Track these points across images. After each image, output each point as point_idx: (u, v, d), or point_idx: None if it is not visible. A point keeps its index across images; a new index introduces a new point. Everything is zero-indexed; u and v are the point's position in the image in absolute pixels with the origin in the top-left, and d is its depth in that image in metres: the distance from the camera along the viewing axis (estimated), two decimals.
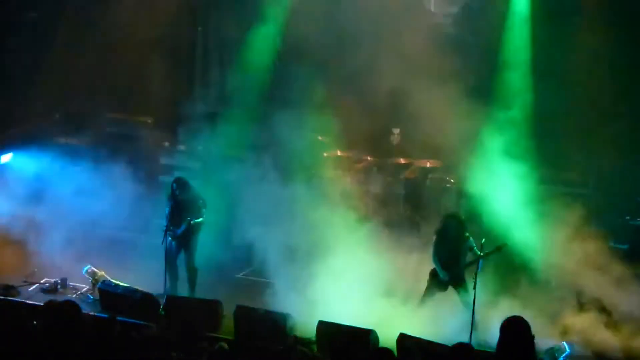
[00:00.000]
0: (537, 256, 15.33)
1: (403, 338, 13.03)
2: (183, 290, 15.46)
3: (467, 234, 14.25)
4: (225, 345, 11.39)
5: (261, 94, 18.12)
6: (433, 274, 14.47)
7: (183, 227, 15.26)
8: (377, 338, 13.56)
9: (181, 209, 15.27)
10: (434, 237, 14.50)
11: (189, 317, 13.99)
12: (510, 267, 15.44)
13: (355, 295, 14.49)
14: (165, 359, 10.91)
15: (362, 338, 13.25)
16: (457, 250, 14.29)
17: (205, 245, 15.69)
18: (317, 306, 14.39)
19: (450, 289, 14.40)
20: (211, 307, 14.26)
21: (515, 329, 8.28)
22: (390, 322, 13.83)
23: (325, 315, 13.82)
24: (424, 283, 14.63)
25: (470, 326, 13.33)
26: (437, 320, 13.97)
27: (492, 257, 14.03)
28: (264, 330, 13.54)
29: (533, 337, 8.37)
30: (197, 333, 13.35)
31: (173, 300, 14.59)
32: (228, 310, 14.18)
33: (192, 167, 17.71)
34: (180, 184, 15.31)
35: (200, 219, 15.37)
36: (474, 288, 13.37)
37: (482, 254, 13.81)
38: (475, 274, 13.45)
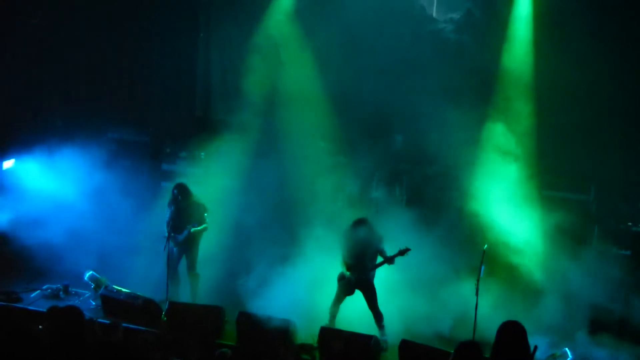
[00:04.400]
0: (536, 263, 15.47)
1: (405, 344, 13.18)
2: (185, 296, 15.52)
3: (378, 238, 14.42)
4: (228, 351, 11.41)
5: (264, 99, 18.16)
6: (340, 277, 14.65)
7: (185, 233, 15.35)
8: (377, 343, 13.71)
9: (182, 215, 15.38)
10: (342, 240, 14.66)
11: (192, 323, 14.06)
12: (511, 274, 15.59)
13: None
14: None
15: (363, 343, 13.40)
16: (365, 254, 14.44)
17: (207, 251, 15.79)
18: (318, 311, 14.60)
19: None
20: (213, 313, 14.34)
21: (511, 332, 8.33)
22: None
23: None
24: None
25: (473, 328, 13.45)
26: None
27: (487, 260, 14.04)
28: (266, 336, 13.59)
29: (535, 347, 8.41)
30: (200, 339, 13.40)
31: (175, 306, 14.63)
32: (230, 316, 14.30)
33: (193, 173, 17.75)
34: (182, 190, 15.39)
35: (202, 226, 15.46)
36: (477, 294, 13.51)
37: (388, 256, 14.14)
38: (478, 280, 13.57)
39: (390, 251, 14.33)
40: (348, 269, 14.57)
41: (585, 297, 14.96)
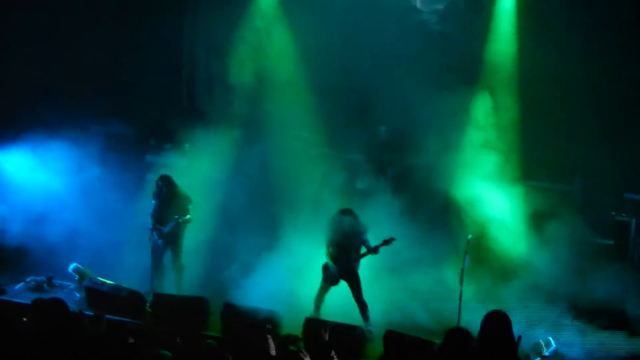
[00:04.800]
0: (520, 252, 15.55)
1: (390, 334, 13.23)
2: (170, 288, 15.50)
3: (363, 228, 14.45)
4: (213, 343, 11.40)
5: (249, 90, 18.16)
6: (324, 268, 14.68)
7: (171, 225, 15.33)
8: (363, 334, 13.75)
9: (167, 207, 15.36)
10: (327, 231, 14.69)
11: (176, 315, 14.05)
12: (494, 265, 15.66)
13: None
14: (152, 357, 10.93)
15: (348, 334, 13.42)
16: (350, 244, 14.51)
17: (191, 242, 15.80)
18: (303, 301, 14.68)
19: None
20: (198, 305, 14.34)
21: (496, 323, 8.35)
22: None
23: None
24: None
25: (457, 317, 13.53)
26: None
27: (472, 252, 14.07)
28: (252, 327, 13.50)
29: (520, 337, 8.44)
30: (185, 330, 13.26)
31: (160, 298, 14.64)
32: (215, 308, 14.30)
33: (178, 164, 17.75)
34: (166, 182, 15.36)
35: (188, 216, 15.43)
36: (461, 283, 13.57)
37: (372, 247, 14.18)
38: (462, 269, 13.64)
39: (374, 241, 14.36)
40: (332, 259, 14.61)
41: (568, 285, 15.08)
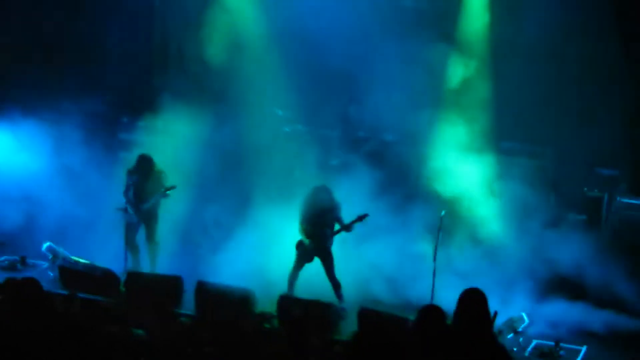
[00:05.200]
0: (495, 229, 15.65)
1: (364, 311, 13.31)
2: (144, 266, 15.52)
3: (337, 205, 14.48)
4: (188, 321, 11.42)
5: (222, 67, 18.11)
6: (299, 245, 14.69)
7: (155, 198, 15.35)
8: (336, 311, 13.80)
9: (146, 185, 15.37)
10: (301, 207, 14.67)
11: (150, 293, 13.97)
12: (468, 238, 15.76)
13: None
14: (126, 336, 10.93)
15: (322, 311, 13.44)
16: (323, 221, 14.51)
17: (165, 220, 15.78)
18: (277, 279, 14.66)
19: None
20: (172, 283, 14.29)
21: (472, 300, 8.39)
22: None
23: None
24: None
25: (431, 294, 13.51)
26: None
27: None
28: (226, 306, 13.57)
29: (496, 313, 8.49)
30: (159, 309, 13.31)
31: (133, 277, 14.59)
32: (189, 286, 14.23)
33: (151, 142, 17.67)
34: (146, 160, 15.37)
35: (169, 192, 15.40)
36: (434, 260, 13.62)
37: (346, 224, 14.22)
38: (436, 246, 13.67)
39: (348, 218, 14.39)
40: (307, 236, 14.63)
41: (540, 260, 15.15)
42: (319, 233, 14.55)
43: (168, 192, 15.32)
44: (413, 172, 17.05)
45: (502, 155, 16.69)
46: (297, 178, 16.47)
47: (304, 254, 14.69)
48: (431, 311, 8.72)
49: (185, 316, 13.01)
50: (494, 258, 15.36)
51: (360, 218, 14.31)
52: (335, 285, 14.58)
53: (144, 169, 15.38)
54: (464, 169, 16.09)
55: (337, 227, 14.52)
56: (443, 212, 14.04)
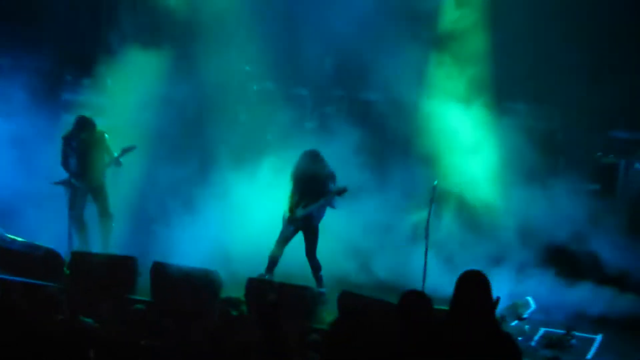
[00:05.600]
0: (494, 197, 15.60)
1: (345, 295, 13.22)
2: (96, 246, 15.49)
3: (329, 173, 14.41)
4: (142, 307, 11.33)
5: (181, 17, 17.93)
6: (284, 216, 14.69)
7: (98, 170, 15.33)
8: (314, 295, 13.69)
9: (87, 151, 15.30)
10: (291, 175, 14.61)
11: (100, 276, 13.85)
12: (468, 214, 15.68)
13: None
14: (72, 326, 10.84)
15: (297, 295, 13.36)
16: (314, 191, 14.44)
17: (116, 194, 15.76)
18: (245, 259, 14.65)
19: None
20: (125, 264, 14.19)
21: (472, 284, 8.32)
22: None
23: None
24: None
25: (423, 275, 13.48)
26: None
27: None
28: (187, 290, 13.49)
29: (498, 299, 8.44)
30: (110, 294, 13.25)
31: (80, 257, 14.48)
32: (145, 268, 14.14)
33: (99, 103, 17.51)
34: (83, 123, 15.28)
35: (106, 163, 15.38)
36: (426, 237, 13.55)
37: (324, 198, 14.22)
38: (427, 220, 13.58)
39: None
40: (296, 206, 14.54)
41: (547, 234, 15.17)
42: (304, 204, 14.47)
43: (123, 155, 15.26)
44: (400, 135, 16.91)
45: (503, 117, 16.55)
46: (267, 143, 16.35)
47: (287, 227, 14.62)
48: (414, 297, 8.74)
49: (140, 302, 12.83)
50: (492, 232, 15.37)
51: (339, 192, 14.26)
52: (315, 266, 14.55)
53: (84, 133, 15.28)
54: (458, 131, 15.96)
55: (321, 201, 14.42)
56: (435, 182, 13.96)
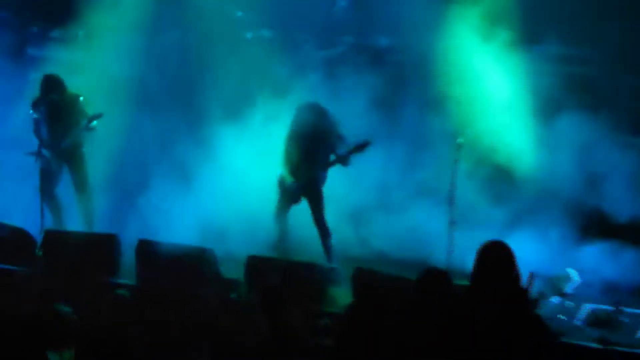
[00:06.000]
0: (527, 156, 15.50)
1: (360, 272, 13.13)
2: (71, 224, 15.53)
3: (334, 128, 14.43)
4: (126, 293, 11.28)
5: None
6: (281, 182, 14.75)
7: (71, 137, 15.39)
8: (324, 272, 13.61)
9: (58, 116, 15.36)
10: (287, 132, 14.68)
11: (77, 258, 13.78)
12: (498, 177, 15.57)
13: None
14: (47, 315, 10.82)
15: (304, 275, 13.30)
16: (315, 149, 14.49)
17: (94, 165, 15.79)
18: (243, 235, 14.74)
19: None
20: (105, 244, 14.14)
21: (492, 257, 8.26)
22: None
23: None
24: None
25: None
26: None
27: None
28: (178, 271, 13.41)
29: (532, 275, 8.41)
30: (89, 278, 13.19)
31: (53, 236, 14.48)
32: (129, 248, 14.11)
33: (70, 59, 17.46)
34: (51, 83, 15.34)
35: (94, 123, 15.31)
36: (451, 203, 13.46)
37: (344, 153, 14.20)
38: (451, 184, 13.63)
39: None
40: (292, 169, 14.50)
41: (589, 198, 15.16)
42: (306, 166, 14.47)
43: (93, 122, 15.21)
44: (416, 86, 16.77)
45: (533, 61, 16.42)
46: (265, 99, 16.23)
47: (287, 193, 14.64)
48: (434, 276, 8.89)
49: (124, 287, 12.80)
50: (524, 195, 15.44)
51: (359, 147, 14.14)
52: (324, 234, 14.56)
53: (53, 95, 15.31)
54: (482, 79, 15.83)
55: (332, 158, 14.40)
56: (460, 140, 13.84)
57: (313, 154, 14.45)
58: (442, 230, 13.95)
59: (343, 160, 14.21)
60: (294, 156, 14.52)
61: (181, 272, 13.38)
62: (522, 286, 8.42)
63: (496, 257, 8.25)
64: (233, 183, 15.44)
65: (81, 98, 15.39)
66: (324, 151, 14.40)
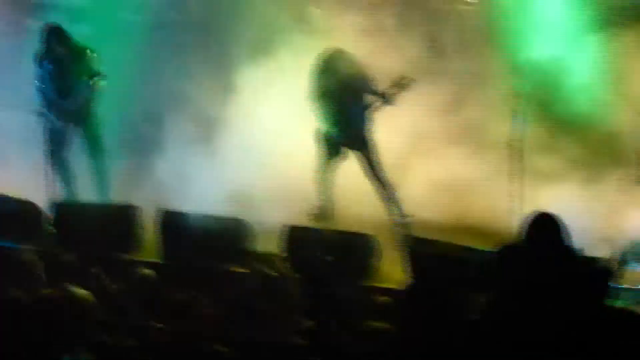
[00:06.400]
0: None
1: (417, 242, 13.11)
2: (85, 193, 15.62)
3: (365, 73, 14.56)
4: (151, 273, 11.32)
5: None
6: (318, 137, 14.89)
7: (79, 96, 15.41)
8: (373, 243, 13.55)
9: (65, 71, 15.44)
10: (312, 85, 14.74)
11: (93, 234, 13.76)
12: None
13: None
14: (64, 299, 10.85)
15: (359, 246, 13.30)
16: (350, 100, 14.65)
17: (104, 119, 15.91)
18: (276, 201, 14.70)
19: None
20: (125, 216, 14.19)
21: (540, 231, 8.33)
22: None
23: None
24: None
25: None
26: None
27: None
28: (208, 246, 13.38)
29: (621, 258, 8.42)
30: (107, 256, 13.09)
31: (67, 210, 14.51)
32: (150, 220, 14.20)
33: (75, 4, 17.49)
34: (55, 34, 15.39)
35: (92, 83, 15.48)
36: (517, 160, 13.45)
37: (384, 98, 14.31)
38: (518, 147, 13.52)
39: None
40: (329, 122, 14.70)
41: None
42: (345, 117, 14.52)
43: (96, 80, 15.29)
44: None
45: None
46: (294, 43, 16.15)
47: (328, 149, 14.73)
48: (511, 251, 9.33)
49: (148, 264, 12.80)
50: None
51: (400, 84, 14.13)
52: (385, 187, 14.55)
53: (57, 47, 15.34)
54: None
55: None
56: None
57: (350, 104, 14.59)
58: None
59: (386, 98, 14.24)
60: (329, 107, 14.61)
61: (212, 247, 13.34)
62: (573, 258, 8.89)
63: (543, 229, 8.47)
64: (261, 142, 15.42)
65: (89, 52, 15.38)
66: (360, 98, 14.53)
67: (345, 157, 14.68)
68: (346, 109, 14.45)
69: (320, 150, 14.66)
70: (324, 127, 14.55)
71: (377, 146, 14.58)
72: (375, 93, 14.35)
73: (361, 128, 14.49)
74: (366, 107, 14.41)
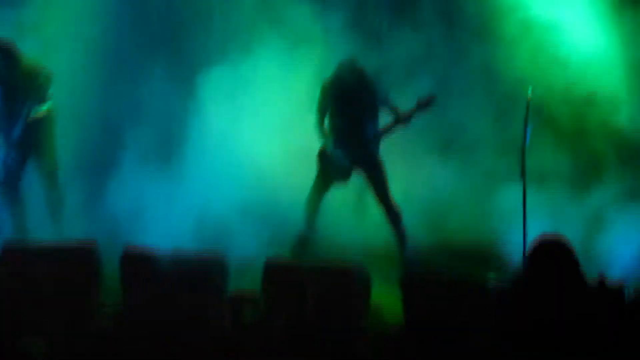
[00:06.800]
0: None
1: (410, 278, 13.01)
2: (38, 230, 15.66)
3: (378, 87, 15.14)
4: (111, 320, 11.49)
5: None
6: (322, 156, 15.06)
7: (23, 122, 15.54)
8: (368, 276, 13.56)
9: (13, 95, 15.64)
10: (319, 97, 15.14)
11: (46, 277, 13.53)
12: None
13: None
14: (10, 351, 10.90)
15: (345, 280, 13.13)
16: (361, 116, 14.90)
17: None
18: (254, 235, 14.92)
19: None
20: (82, 255, 13.85)
21: (547, 256, 8.95)
22: None
23: None
24: None
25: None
26: None
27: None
28: (175, 285, 13.19)
29: (602, 275, 8.54)
30: (62, 302, 13.09)
31: (15, 251, 14.26)
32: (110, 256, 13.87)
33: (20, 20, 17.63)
34: (5, 53, 15.58)
35: (45, 107, 15.49)
36: (522, 174, 13.63)
37: (401, 113, 14.78)
38: (522, 151, 13.58)
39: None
40: (336, 141, 14.94)
41: None
42: (355, 135, 14.84)
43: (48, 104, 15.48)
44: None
45: None
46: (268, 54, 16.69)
47: (333, 171, 14.96)
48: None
49: (108, 312, 12.80)
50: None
51: (423, 104, 14.56)
52: (393, 215, 14.81)
53: (6, 67, 15.61)
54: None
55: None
56: (530, 92, 13.92)
57: (361, 121, 14.89)
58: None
59: (404, 119, 14.61)
60: (338, 124, 14.62)
61: (179, 285, 13.28)
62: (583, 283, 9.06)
63: (550, 255, 9.11)
64: (236, 162, 15.95)
65: (42, 71, 15.54)
66: (373, 115, 14.89)
67: (348, 180, 14.71)
68: (358, 126, 14.46)
69: (321, 172, 14.67)
70: (329, 145, 14.51)
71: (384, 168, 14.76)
72: (393, 112, 14.51)
73: (374, 149, 14.48)
74: (382, 127, 14.36)
